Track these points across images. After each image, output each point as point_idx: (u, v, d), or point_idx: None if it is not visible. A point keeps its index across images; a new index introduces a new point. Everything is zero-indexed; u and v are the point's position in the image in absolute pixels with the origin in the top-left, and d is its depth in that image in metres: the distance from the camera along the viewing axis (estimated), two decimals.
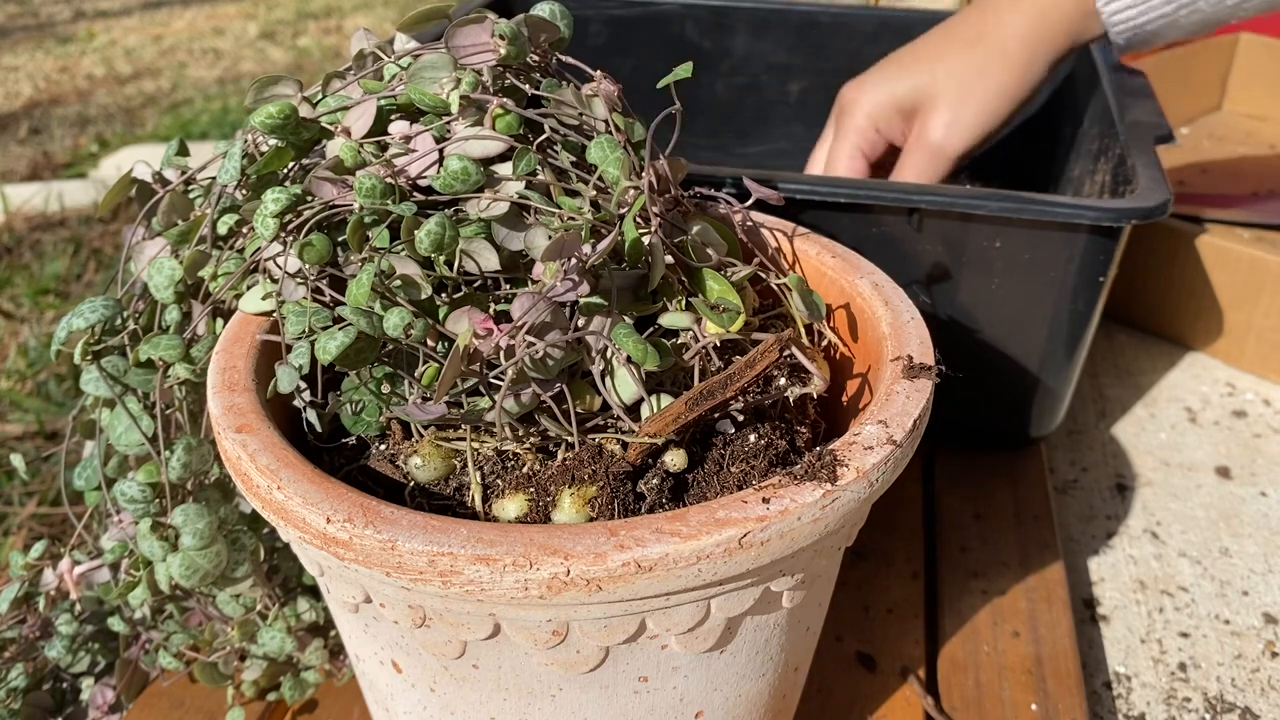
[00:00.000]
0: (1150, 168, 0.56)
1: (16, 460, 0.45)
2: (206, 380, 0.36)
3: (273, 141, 0.38)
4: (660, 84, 0.38)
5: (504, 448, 0.35)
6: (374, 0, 3.75)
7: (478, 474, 0.34)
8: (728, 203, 0.43)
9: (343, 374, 0.36)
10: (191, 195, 0.42)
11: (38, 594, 0.45)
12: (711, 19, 0.86)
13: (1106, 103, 0.66)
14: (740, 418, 0.36)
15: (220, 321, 0.40)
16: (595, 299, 0.34)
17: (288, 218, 0.36)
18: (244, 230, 0.39)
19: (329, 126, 0.39)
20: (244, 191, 0.40)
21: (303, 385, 0.36)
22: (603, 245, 0.33)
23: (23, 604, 0.45)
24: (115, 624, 0.46)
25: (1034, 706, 0.48)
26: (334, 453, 0.37)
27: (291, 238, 0.36)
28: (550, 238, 0.35)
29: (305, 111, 0.39)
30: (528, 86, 0.39)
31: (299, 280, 0.36)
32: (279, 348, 0.36)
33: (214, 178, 0.41)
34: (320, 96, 0.41)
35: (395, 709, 0.39)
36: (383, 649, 0.36)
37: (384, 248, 0.35)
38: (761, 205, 0.43)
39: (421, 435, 0.35)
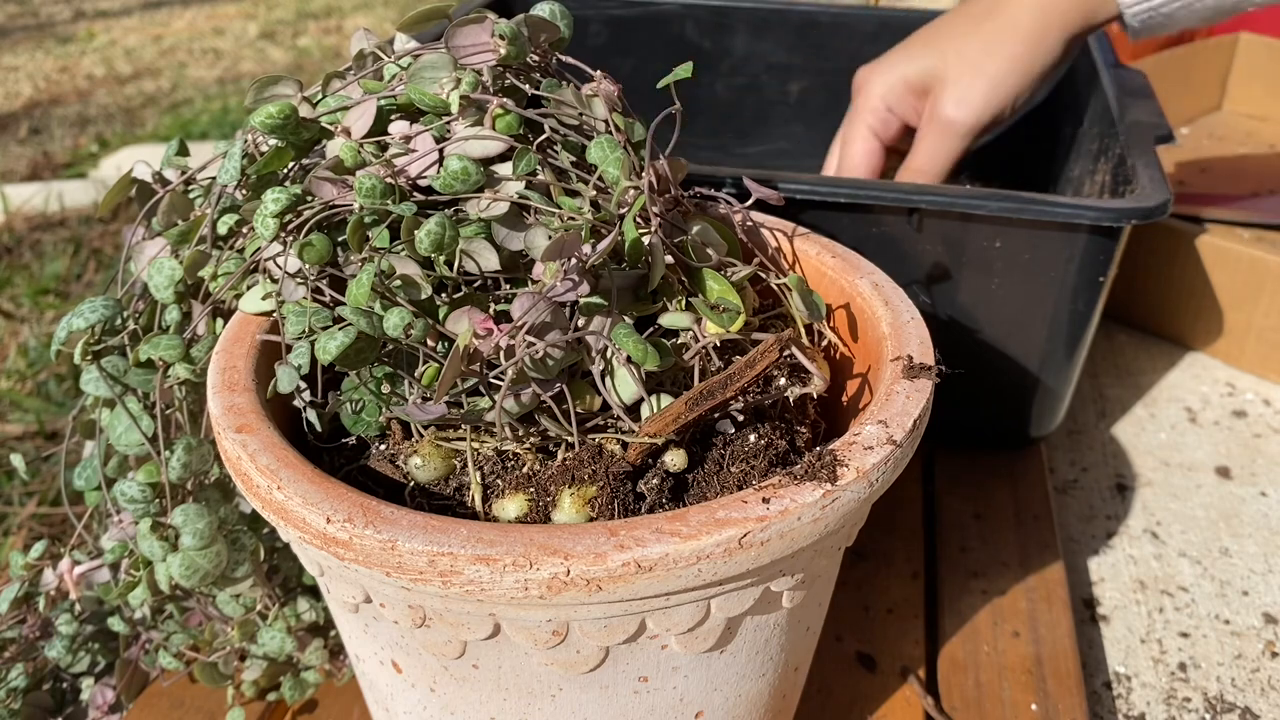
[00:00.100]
0: (1150, 168, 0.56)
1: (16, 460, 0.45)
2: (206, 380, 0.36)
3: (273, 141, 0.38)
4: (660, 84, 0.38)
5: (504, 448, 0.35)
6: (374, 0, 3.75)
7: (478, 474, 0.34)
8: (728, 203, 0.43)
9: (343, 374, 0.36)
10: (191, 195, 0.42)
11: (38, 594, 0.45)
12: (711, 19, 0.86)
13: (1106, 103, 0.66)
14: (740, 418, 0.36)
15: (220, 321, 0.40)
16: (595, 299, 0.34)
17: (288, 218, 0.36)
18: (244, 230, 0.39)
19: (329, 126, 0.39)
20: (244, 191, 0.40)
21: (303, 385, 0.36)
22: (603, 245, 0.33)
23: (23, 604, 0.45)
24: (115, 624, 0.46)
25: (1034, 706, 0.48)
26: (334, 453, 0.37)
27: (291, 238, 0.36)
28: (550, 238, 0.35)
29: (305, 111, 0.39)
30: (528, 86, 0.39)
31: (299, 280, 0.36)
32: (279, 348, 0.36)
33: (214, 178, 0.41)
34: (320, 96, 0.41)
35: (395, 709, 0.39)
36: (383, 649, 0.36)
37: (384, 248, 0.35)
38: (761, 205, 0.43)
39: (421, 435, 0.35)
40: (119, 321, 0.40)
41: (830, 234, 0.46)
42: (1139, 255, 0.78)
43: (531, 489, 0.33)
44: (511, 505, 0.33)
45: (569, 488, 0.33)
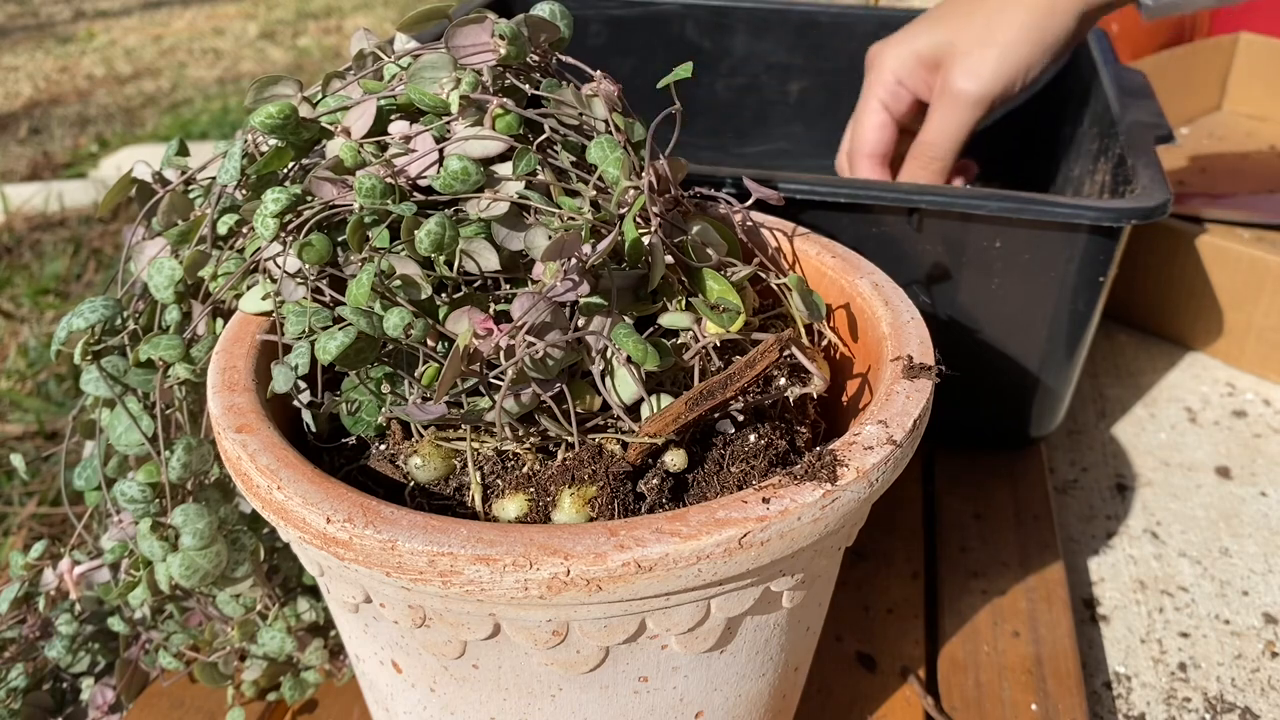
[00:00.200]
0: (1150, 168, 0.56)
1: (16, 460, 0.45)
2: (206, 380, 0.36)
3: (273, 141, 0.38)
4: (660, 84, 0.38)
5: (504, 448, 0.35)
6: (374, 0, 3.75)
7: (478, 474, 0.34)
8: (728, 203, 0.43)
9: (343, 374, 0.36)
10: (191, 195, 0.42)
11: (38, 594, 0.45)
12: (711, 19, 0.86)
13: (1106, 103, 0.66)
14: (740, 418, 0.36)
15: (220, 321, 0.40)
16: (595, 299, 0.34)
17: (288, 218, 0.36)
18: (244, 230, 0.39)
19: (329, 126, 0.39)
20: (244, 191, 0.40)
21: (302, 385, 0.36)
22: (603, 245, 0.33)
23: (23, 604, 0.45)
24: (115, 624, 0.46)
25: (1034, 706, 0.48)
26: (334, 453, 0.37)
27: (291, 238, 0.36)
28: (550, 238, 0.35)
29: (305, 111, 0.39)
30: (528, 86, 0.39)
31: (299, 280, 0.36)
32: (279, 348, 0.36)
33: (214, 178, 0.41)
34: (320, 96, 0.41)
35: (395, 709, 0.39)
36: (383, 649, 0.36)
37: (384, 248, 0.35)
38: (761, 205, 0.43)
39: (421, 435, 0.35)
40: (119, 321, 0.40)
41: (830, 234, 0.46)
42: (1139, 255, 0.78)
43: (531, 489, 0.33)
44: (511, 505, 0.33)
45: (569, 488, 0.33)
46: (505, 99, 0.37)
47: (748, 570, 0.30)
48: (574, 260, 0.33)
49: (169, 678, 0.48)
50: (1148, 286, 0.79)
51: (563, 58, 0.41)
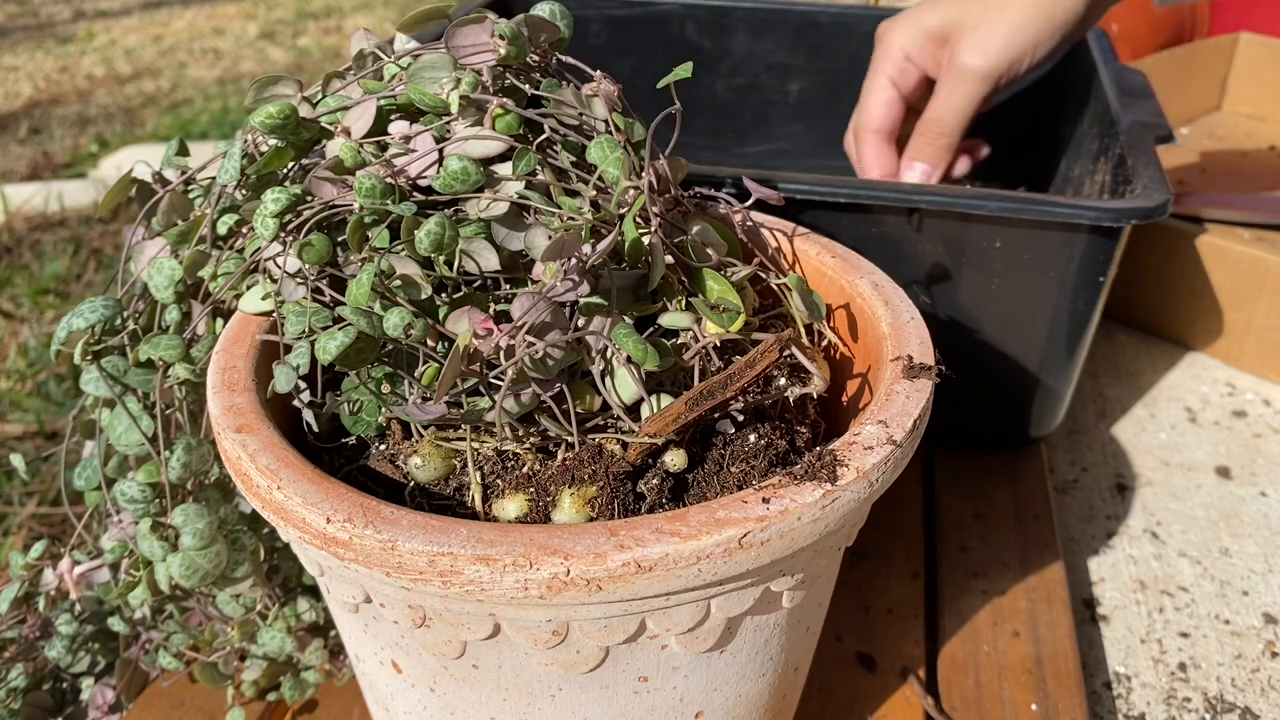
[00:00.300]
0: (1150, 168, 0.56)
1: (16, 460, 0.45)
2: (206, 380, 0.36)
3: (273, 141, 0.38)
4: (660, 84, 0.38)
5: (504, 448, 0.35)
6: (374, 0, 3.75)
7: (478, 474, 0.34)
8: (728, 203, 0.43)
9: (343, 374, 0.36)
10: (191, 195, 0.42)
11: (38, 594, 0.45)
12: (711, 19, 0.86)
13: (1106, 103, 0.66)
14: (740, 418, 0.36)
15: (220, 321, 0.40)
16: (595, 299, 0.34)
17: (288, 218, 0.36)
18: (244, 230, 0.39)
19: (329, 126, 0.39)
20: (244, 191, 0.40)
21: (302, 385, 0.36)
22: (603, 245, 0.33)
23: (23, 604, 0.45)
24: (115, 624, 0.46)
25: (1034, 706, 0.48)
26: (334, 453, 0.37)
27: (291, 238, 0.36)
28: (550, 238, 0.35)
29: (305, 111, 0.39)
30: (528, 86, 0.39)
31: (299, 280, 0.36)
32: (279, 348, 0.36)
33: (214, 178, 0.41)
34: (320, 96, 0.41)
35: (395, 709, 0.39)
36: (383, 649, 0.36)
37: (384, 248, 0.35)
38: (761, 205, 0.43)
39: (421, 435, 0.35)
40: (119, 321, 0.40)
41: (830, 234, 0.46)
42: (1139, 255, 0.78)
43: (531, 489, 0.33)
44: (511, 505, 0.33)
45: (569, 488, 0.33)
46: (505, 99, 0.37)
47: (748, 570, 0.30)
48: (574, 260, 0.33)
49: (169, 678, 0.48)
50: (1148, 286, 0.79)
51: (563, 58, 0.41)
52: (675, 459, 0.34)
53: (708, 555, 0.29)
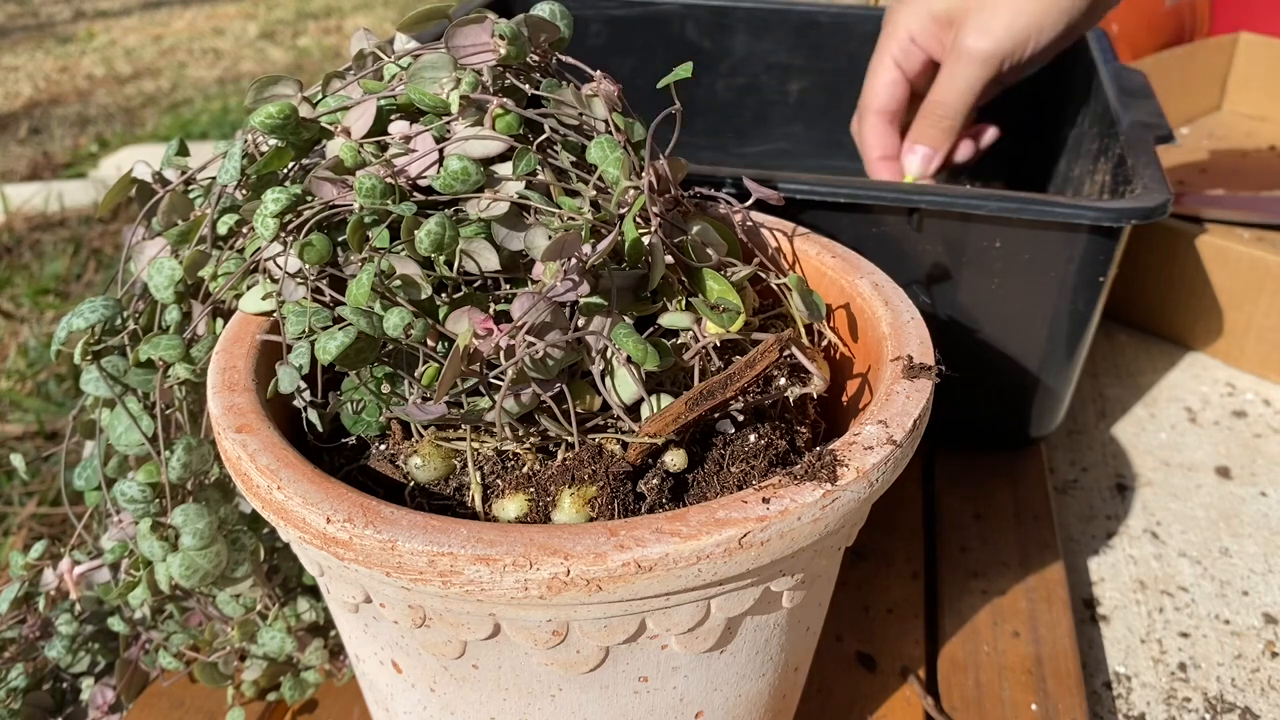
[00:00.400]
0: (1150, 168, 0.56)
1: (16, 460, 0.45)
2: (206, 380, 0.36)
3: (273, 141, 0.38)
4: (660, 84, 0.38)
5: (504, 448, 0.35)
6: (374, 0, 3.75)
7: (478, 474, 0.34)
8: (728, 203, 0.43)
9: (343, 374, 0.36)
10: (191, 195, 0.42)
11: (38, 594, 0.45)
12: (711, 19, 0.86)
13: (1106, 103, 0.66)
14: (740, 418, 0.36)
15: (220, 321, 0.40)
16: (595, 299, 0.34)
17: (288, 218, 0.36)
18: (244, 230, 0.39)
19: (329, 126, 0.39)
20: (244, 191, 0.40)
21: (303, 385, 0.36)
22: (603, 245, 0.33)
23: (23, 604, 0.45)
24: (115, 624, 0.46)
25: (1034, 706, 0.48)
26: (334, 453, 0.37)
27: (291, 238, 0.36)
28: (550, 238, 0.35)
29: (305, 111, 0.39)
30: (528, 86, 0.39)
31: (299, 280, 0.36)
32: (279, 348, 0.36)
33: (214, 178, 0.41)
34: (320, 96, 0.41)
35: (395, 709, 0.39)
36: (383, 649, 0.36)
37: (384, 248, 0.35)
38: (761, 205, 0.43)
39: (421, 435, 0.35)
40: (119, 321, 0.40)
41: (830, 234, 0.46)
42: (1139, 255, 0.78)
43: (531, 489, 0.33)
44: (511, 505, 0.33)
45: (569, 488, 0.33)
46: (505, 99, 0.37)
47: (748, 570, 0.30)
48: (574, 260, 0.33)
49: (169, 678, 0.48)
50: (1148, 286, 0.79)
51: (563, 58, 0.41)
52: (675, 459, 0.34)
53: (708, 555, 0.29)
